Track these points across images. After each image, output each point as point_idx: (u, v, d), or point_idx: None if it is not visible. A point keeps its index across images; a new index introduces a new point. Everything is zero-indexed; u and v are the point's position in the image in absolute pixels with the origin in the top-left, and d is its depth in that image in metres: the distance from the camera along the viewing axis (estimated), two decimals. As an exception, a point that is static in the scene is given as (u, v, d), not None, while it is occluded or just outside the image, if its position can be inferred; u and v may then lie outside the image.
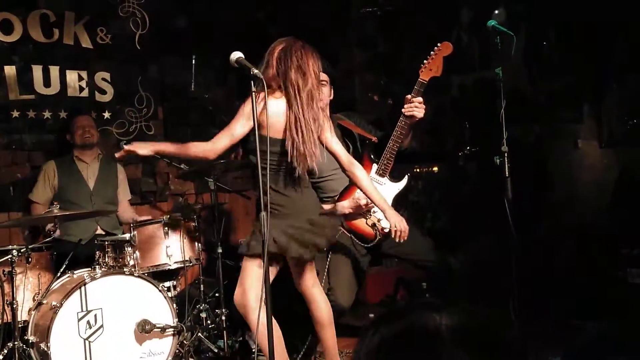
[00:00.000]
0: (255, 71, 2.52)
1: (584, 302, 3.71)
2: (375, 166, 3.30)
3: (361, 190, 2.94)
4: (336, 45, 5.45)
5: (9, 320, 3.23)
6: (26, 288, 3.37)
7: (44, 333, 3.07)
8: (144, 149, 2.77)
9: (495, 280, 3.73)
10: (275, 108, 2.70)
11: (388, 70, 5.42)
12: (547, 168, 4.66)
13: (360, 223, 3.29)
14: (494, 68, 3.21)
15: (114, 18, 4.65)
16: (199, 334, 3.64)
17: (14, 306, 3.21)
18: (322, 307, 2.98)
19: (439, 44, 3.20)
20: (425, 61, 3.18)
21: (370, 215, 3.26)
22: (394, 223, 2.89)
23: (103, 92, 4.60)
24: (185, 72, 4.73)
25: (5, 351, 3.19)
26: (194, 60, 4.63)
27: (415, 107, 3.15)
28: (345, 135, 3.42)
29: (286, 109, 2.71)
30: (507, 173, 3.13)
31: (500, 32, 3.23)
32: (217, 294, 3.91)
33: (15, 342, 3.16)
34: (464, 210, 4.39)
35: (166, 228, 3.56)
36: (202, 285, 3.83)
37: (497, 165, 3.15)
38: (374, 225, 3.24)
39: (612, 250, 4.13)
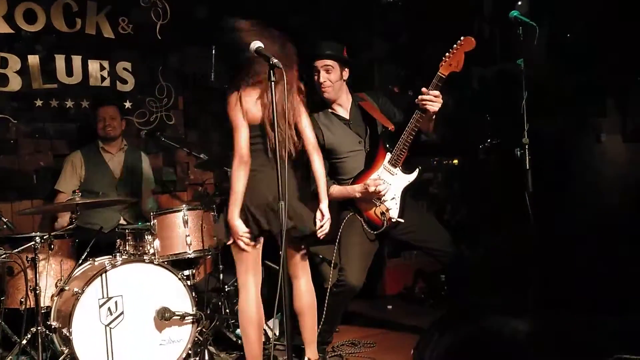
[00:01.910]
0: (275, 60, 2.54)
1: (605, 298, 3.67)
2: (389, 155, 3.31)
3: (313, 173, 3.04)
4: (357, 36, 5.42)
5: (32, 306, 3.29)
6: (49, 274, 3.42)
7: (66, 319, 3.11)
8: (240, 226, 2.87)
9: (515, 273, 3.71)
10: (252, 98, 2.89)
11: (409, 62, 5.39)
12: (569, 161, 4.60)
13: (369, 208, 3.32)
14: (516, 59, 3.17)
15: (136, 8, 4.69)
16: (218, 323, 3.67)
17: (37, 292, 3.27)
18: (302, 298, 3.08)
19: (461, 38, 3.12)
20: (446, 54, 3.13)
21: (380, 203, 3.29)
22: (325, 217, 2.97)
23: (124, 81, 4.65)
24: (205, 62, 4.75)
25: (29, 336, 3.26)
26: (213, 50, 4.64)
27: (430, 101, 3.12)
28: (364, 118, 3.44)
29: (259, 99, 2.88)
30: (527, 166, 3.10)
31: (523, 23, 3.19)
32: (235, 283, 3.94)
33: (39, 327, 3.23)
34: (484, 203, 4.36)
35: (185, 217, 3.59)
36: (221, 274, 3.86)
37: (518, 157, 3.12)
38: (382, 214, 3.29)
39: (634, 245, 4.08)
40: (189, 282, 3.48)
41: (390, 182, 3.30)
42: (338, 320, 3.52)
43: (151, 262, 3.35)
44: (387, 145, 3.32)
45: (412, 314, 4.38)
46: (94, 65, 4.51)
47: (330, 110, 3.44)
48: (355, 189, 3.28)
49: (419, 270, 4.85)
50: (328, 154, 3.40)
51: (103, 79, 4.55)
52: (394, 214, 3.29)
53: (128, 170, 4.21)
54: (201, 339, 3.47)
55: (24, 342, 3.25)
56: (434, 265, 4.26)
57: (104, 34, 4.55)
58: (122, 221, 4.08)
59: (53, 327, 3.24)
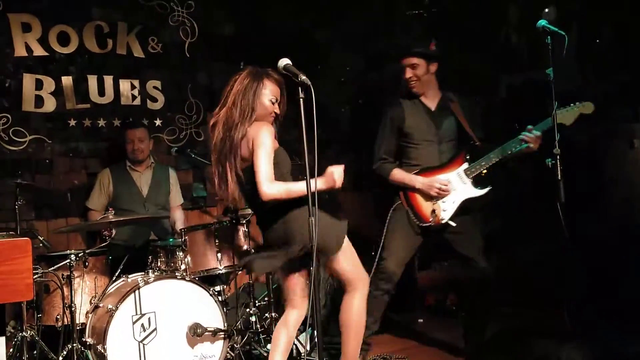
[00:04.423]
0: (303, 77, 2.55)
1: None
2: (466, 165, 3.45)
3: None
4: (382, 48, 5.43)
5: (68, 323, 3.35)
6: (83, 291, 3.49)
7: (101, 335, 3.17)
8: None
9: (548, 284, 3.64)
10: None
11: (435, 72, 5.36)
12: (601, 169, 4.52)
13: (422, 202, 3.44)
14: (544, 68, 3.14)
15: (165, 27, 4.78)
16: (249, 338, 3.68)
17: (73, 309, 3.33)
18: (347, 312, 2.94)
19: (583, 103, 3.26)
20: (563, 107, 3.25)
21: (436, 202, 3.42)
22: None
23: (154, 100, 4.73)
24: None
25: (65, 352, 3.32)
26: (241, 67, 4.69)
27: (532, 141, 3.25)
28: (448, 116, 3.54)
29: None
30: (559, 175, 3.06)
31: (551, 32, 3.16)
32: (266, 298, 3.96)
33: (74, 344, 3.28)
34: (515, 213, 4.30)
35: (216, 233, 3.62)
36: (251, 289, 3.87)
37: (549, 167, 3.08)
38: (433, 211, 3.41)
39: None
40: (220, 298, 3.50)
41: (457, 188, 3.42)
42: (376, 320, 3.48)
43: (183, 278, 3.38)
44: (467, 157, 3.46)
45: (444, 327, 4.33)
46: (125, 85, 4.60)
47: (418, 100, 3.59)
48: (418, 180, 3.42)
49: (450, 282, 4.80)
50: (405, 137, 3.53)
51: (134, 97, 4.64)
52: (446, 215, 3.41)
53: (155, 186, 4.27)
54: (233, 354, 3.48)
55: (60, 358, 3.31)
56: (466, 277, 4.21)
57: (134, 53, 4.64)
58: (152, 236, 4.14)
59: (88, 343, 3.29)
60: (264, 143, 2.73)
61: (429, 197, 3.43)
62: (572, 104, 3.28)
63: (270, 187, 2.68)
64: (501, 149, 3.36)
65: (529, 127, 3.27)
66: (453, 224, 3.41)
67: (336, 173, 2.73)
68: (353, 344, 2.96)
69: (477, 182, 3.44)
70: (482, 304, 3.56)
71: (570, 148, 3.30)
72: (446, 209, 3.41)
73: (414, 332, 4.29)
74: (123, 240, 4.00)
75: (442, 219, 3.40)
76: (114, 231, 3.53)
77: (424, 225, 3.43)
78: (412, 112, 3.54)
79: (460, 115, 3.53)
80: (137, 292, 3.24)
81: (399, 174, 3.50)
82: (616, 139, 4.74)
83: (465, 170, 3.44)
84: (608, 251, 4.08)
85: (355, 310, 2.95)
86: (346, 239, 2.89)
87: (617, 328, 3.43)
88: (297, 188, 2.70)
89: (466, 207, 3.45)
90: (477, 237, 3.53)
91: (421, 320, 4.60)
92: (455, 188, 3.42)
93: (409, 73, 3.51)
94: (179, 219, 4.35)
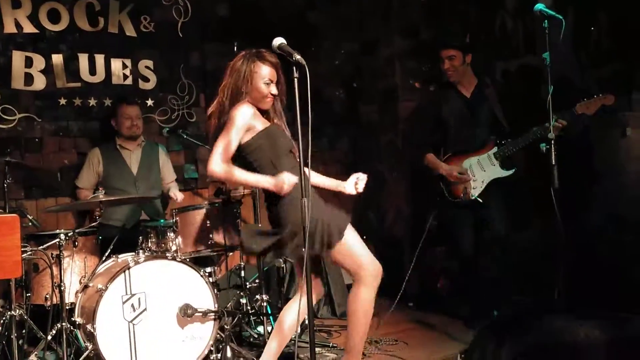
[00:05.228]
0: (298, 57, 2.51)
1: (632, 295, 3.61)
2: (495, 148, 3.83)
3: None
4: (378, 32, 5.38)
5: (57, 302, 3.33)
6: (73, 271, 3.46)
7: (90, 315, 3.15)
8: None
9: (541, 270, 3.66)
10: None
11: (430, 57, 5.33)
12: (594, 157, 4.52)
13: (459, 184, 3.86)
14: (540, 53, 3.13)
15: (157, 6, 4.71)
16: (239, 320, 3.68)
17: (62, 288, 3.31)
18: (353, 303, 2.85)
19: (606, 96, 3.48)
20: (587, 98, 3.50)
21: (466, 182, 3.84)
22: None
23: (146, 79, 4.67)
24: (226, 59, 4.74)
25: (54, 332, 3.30)
26: (235, 47, 4.64)
27: (555, 127, 3.35)
28: (484, 102, 3.89)
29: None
30: (553, 161, 3.05)
31: (548, 16, 3.14)
32: (257, 280, 3.95)
33: (63, 323, 3.27)
34: (509, 199, 4.31)
35: (207, 214, 3.60)
36: (242, 271, 3.87)
37: (543, 153, 3.08)
38: (464, 188, 3.85)
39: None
40: (210, 279, 3.49)
41: (486, 170, 3.83)
42: None
43: (174, 258, 3.36)
44: (498, 141, 3.83)
45: (435, 312, 4.34)
46: (116, 64, 4.54)
47: (454, 89, 3.96)
48: (442, 167, 3.88)
49: (442, 268, 4.80)
50: (442, 124, 3.95)
51: (125, 77, 4.58)
52: (475, 192, 3.83)
53: (146, 165, 4.24)
54: (223, 335, 3.47)
55: (49, 337, 3.29)
56: (458, 264, 4.24)
57: (126, 32, 4.58)
58: (143, 216, 4.11)
59: (77, 323, 3.27)
60: (233, 123, 2.76)
61: (459, 182, 3.83)
62: (595, 96, 3.51)
63: (217, 165, 2.73)
64: (528, 135, 3.64)
65: (555, 117, 3.39)
66: (480, 200, 3.81)
67: (287, 180, 2.68)
68: (357, 335, 2.86)
69: (506, 163, 3.82)
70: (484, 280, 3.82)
71: (563, 135, 3.29)
72: (476, 187, 3.82)
73: (405, 317, 4.30)
74: (114, 221, 3.97)
75: (472, 196, 3.82)
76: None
77: (455, 200, 3.87)
78: (448, 101, 3.95)
79: (494, 101, 3.87)
80: (127, 272, 3.22)
81: (429, 159, 3.96)
82: (609, 127, 4.73)
83: (495, 154, 3.81)
84: (600, 238, 4.10)
85: (361, 300, 2.83)
86: (352, 231, 2.84)
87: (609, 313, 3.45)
88: (244, 177, 2.76)
89: (496, 184, 3.82)
90: (501, 208, 3.86)
91: (411, 305, 4.61)
92: (484, 170, 3.82)
93: (447, 64, 3.87)
94: (174, 186, 4.33)
